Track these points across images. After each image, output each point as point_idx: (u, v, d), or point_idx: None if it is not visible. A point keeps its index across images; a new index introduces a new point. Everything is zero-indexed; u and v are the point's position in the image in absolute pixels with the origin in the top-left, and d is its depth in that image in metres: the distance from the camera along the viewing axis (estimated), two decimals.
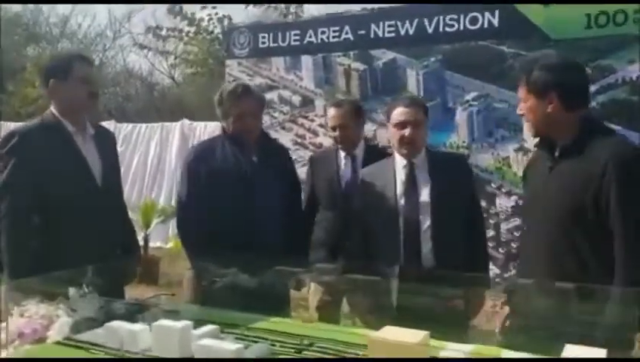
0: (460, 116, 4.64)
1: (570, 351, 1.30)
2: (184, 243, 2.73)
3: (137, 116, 13.40)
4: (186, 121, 8.80)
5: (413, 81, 4.85)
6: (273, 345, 1.79)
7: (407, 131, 2.52)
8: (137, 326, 1.79)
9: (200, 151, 2.75)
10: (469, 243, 2.56)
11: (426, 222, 2.49)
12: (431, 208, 2.49)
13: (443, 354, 1.40)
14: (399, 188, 2.56)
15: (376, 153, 3.19)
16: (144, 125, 9.27)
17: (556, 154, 2.01)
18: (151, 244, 7.37)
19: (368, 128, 5.09)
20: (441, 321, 1.58)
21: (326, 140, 5.30)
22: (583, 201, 1.87)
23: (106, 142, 2.79)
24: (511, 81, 4.41)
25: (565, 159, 1.97)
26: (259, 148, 2.72)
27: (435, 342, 1.51)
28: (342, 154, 3.19)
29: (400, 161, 2.60)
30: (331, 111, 3.21)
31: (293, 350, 1.77)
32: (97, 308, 2.01)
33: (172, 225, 7.77)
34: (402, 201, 2.53)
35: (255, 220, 2.60)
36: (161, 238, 7.87)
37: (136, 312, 2.14)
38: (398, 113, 2.57)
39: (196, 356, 1.65)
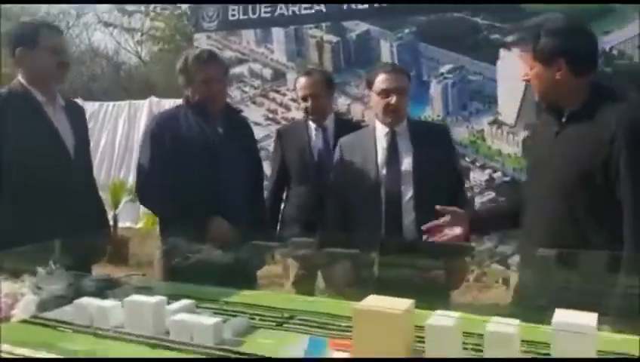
0: (435, 89, 4.61)
1: (561, 315, 1.27)
2: (149, 207, 2.65)
3: (104, 95, 13.06)
4: (154, 99, 8.60)
5: (387, 53, 4.79)
6: (252, 319, 1.72)
7: (392, 99, 2.46)
8: (108, 303, 1.70)
9: (163, 119, 2.64)
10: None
11: (408, 193, 2.44)
12: (413, 177, 2.43)
13: (430, 322, 1.35)
14: (380, 157, 2.50)
15: (349, 126, 3.12)
16: (111, 103, 9.04)
17: (563, 119, 1.95)
18: (120, 224, 7.21)
19: (342, 102, 5.03)
20: (421, 293, 1.53)
21: (299, 115, 5.22)
22: (591, 167, 1.82)
23: (77, 115, 2.67)
24: (485, 52, 4.41)
25: (573, 124, 1.90)
26: (224, 119, 2.63)
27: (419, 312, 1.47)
28: (312, 126, 3.10)
29: (381, 129, 2.53)
30: (301, 81, 3.11)
31: (273, 323, 1.71)
32: (66, 285, 1.92)
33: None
34: (384, 171, 2.47)
35: (220, 192, 2.53)
36: (131, 218, 7.71)
37: (105, 289, 2.06)
38: (382, 80, 2.49)
39: (171, 331, 1.57)
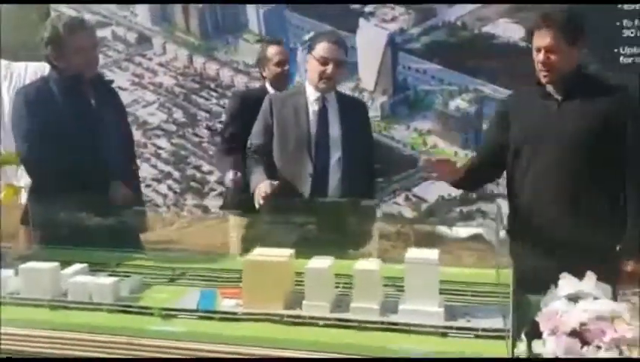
0: (301, 56, 4.81)
1: (412, 253, 1.58)
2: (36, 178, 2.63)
3: None
4: (4, 61, 7.94)
5: (254, 20, 4.91)
6: (145, 278, 1.87)
7: (328, 68, 2.58)
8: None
9: (34, 91, 2.59)
10: (367, 177, 2.74)
11: (336, 155, 2.62)
12: (341, 141, 2.62)
13: (308, 266, 1.60)
14: (312, 118, 2.63)
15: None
16: None
17: (559, 97, 2.18)
18: None
19: (211, 67, 5.09)
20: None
21: (166, 80, 5.21)
22: (596, 127, 2.10)
23: None
24: (346, 22, 4.69)
25: (574, 95, 2.16)
26: (97, 90, 2.65)
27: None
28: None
29: (313, 94, 2.66)
30: (276, 48, 3.37)
31: (166, 280, 1.87)
32: None
33: None
34: (314, 131, 2.62)
35: (100, 162, 2.57)
36: None
37: None
38: (323, 48, 2.60)
39: (70, 293, 1.68)
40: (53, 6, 5.32)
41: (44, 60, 2.68)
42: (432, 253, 1.57)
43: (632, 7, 4.08)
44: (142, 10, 5.17)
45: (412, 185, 4.69)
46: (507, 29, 4.36)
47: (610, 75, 2.46)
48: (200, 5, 5.03)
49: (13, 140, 2.73)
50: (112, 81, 3.02)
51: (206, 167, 5.17)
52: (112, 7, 5.22)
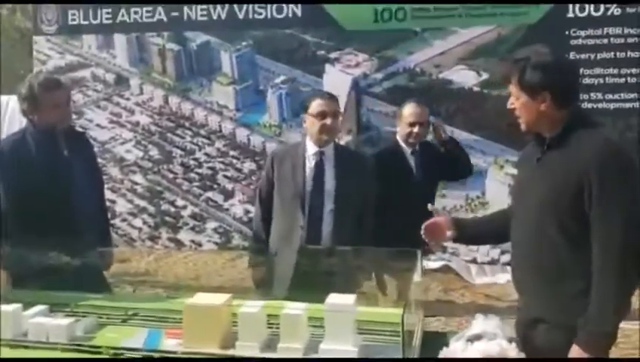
0: (271, 98, 5.08)
1: (331, 298, 1.78)
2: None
3: None
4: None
5: (227, 63, 5.16)
6: (100, 318, 2.06)
7: (328, 120, 2.79)
8: None
9: (11, 147, 2.77)
10: (358, 227, 2.89)
11: (329, 206, 2.81)
12: (335, 194, 2.81)
13: (242, 310, 1.80)
14: (308, 172, 2.83)
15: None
16: None
17: (545, 147, 2.04)
18: None
19: (186, 107, 5.33)
20: None
21: (143, 118, 5.43)
22: (565, 193, 1.93)
23: None
24: (313, 66, 4.97)
25: (552, 151, 2.01)
26: (69, 142, 2.85)
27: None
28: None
29: (311, 149, 2.87)
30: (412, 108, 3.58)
31: (119, 320, 2.06)
32: None
33: None
34: (310, 185, 2.82)
35: (71, 210, 2.76)
36: None
37: None
38: (319, 104, 2.82)
39: (30, 334, 1.87)
40: (35, 55, 5.55)
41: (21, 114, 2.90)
42: (348, 299, 1.78)
43: (578, 42, 4.41)
44: (120, 52, 5.41)
45: None
46: (462, 75, 4.65)
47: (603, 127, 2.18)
48: (176, 49, 5.29)
49: None
50: (84, 133, 3.24)
51: (180, 202, 5.38)
52: (92, 49, 5.47)
